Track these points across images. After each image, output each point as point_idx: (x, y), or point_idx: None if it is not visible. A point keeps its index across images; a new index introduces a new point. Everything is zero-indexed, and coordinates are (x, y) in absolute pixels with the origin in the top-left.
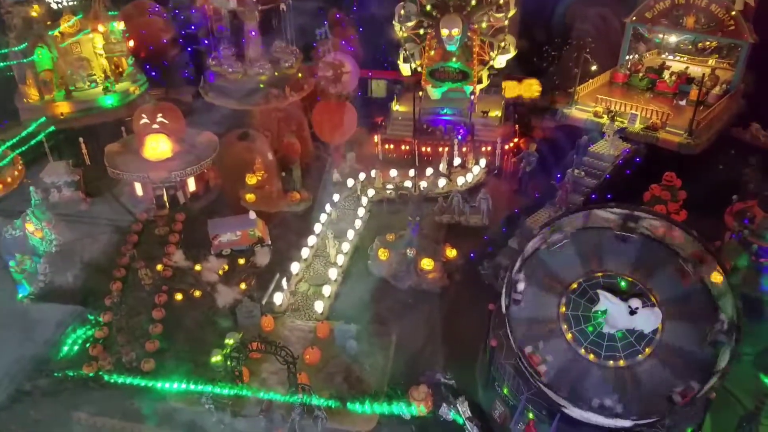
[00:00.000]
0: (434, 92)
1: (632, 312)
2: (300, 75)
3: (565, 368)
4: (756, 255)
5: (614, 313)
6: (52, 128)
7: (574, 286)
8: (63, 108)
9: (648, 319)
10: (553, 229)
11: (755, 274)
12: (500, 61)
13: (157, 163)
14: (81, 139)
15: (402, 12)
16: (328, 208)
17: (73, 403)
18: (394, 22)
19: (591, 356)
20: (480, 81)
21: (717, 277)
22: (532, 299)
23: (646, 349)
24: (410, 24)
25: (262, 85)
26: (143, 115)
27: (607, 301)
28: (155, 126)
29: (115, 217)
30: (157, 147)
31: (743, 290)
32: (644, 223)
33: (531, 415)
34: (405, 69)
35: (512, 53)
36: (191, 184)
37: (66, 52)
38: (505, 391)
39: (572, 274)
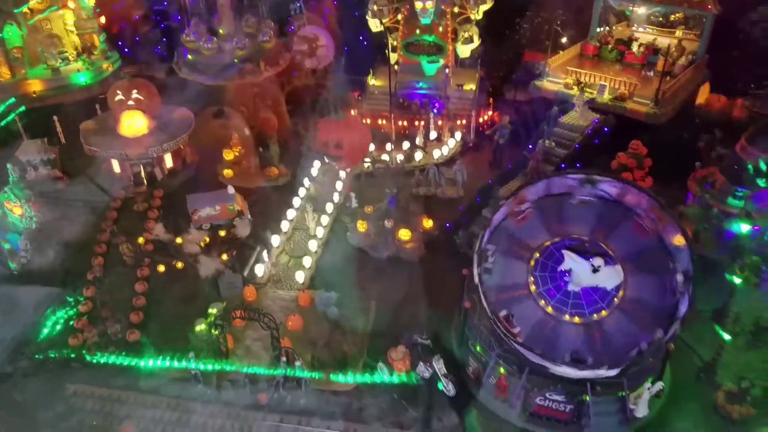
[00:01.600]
0: (428, 68)
1: (595, 270)
2: (274, 48)
3: (537, 328)
4: (716, 218)
5: (578, 271)
6: (22, 108)
7: (540, 252)
8: (35, 86)
9: (610, 277)
10: (516, 199)
11: (715, 237)
12: (464, 51)
13: (134, 139)
14: (55, 118)
15: None
16: (306, 182)
17: (56, 383)
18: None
19: (560, 315)
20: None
21: (679, 240)
22: (502, 267)
23: (612, 303)
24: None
25: (236, 60)
26: (118, 92)
27: (571, 261)
28: (130, 102)
29: (91, 198)
30: (133, 123)
31: (703, 252)
32: (601, 186)
33: (502, 370)
34: (374, 24)
35: (476, 43)
36: (168, 161)
37: (35, 29)
38: (478, 348)
39: (538, 239)
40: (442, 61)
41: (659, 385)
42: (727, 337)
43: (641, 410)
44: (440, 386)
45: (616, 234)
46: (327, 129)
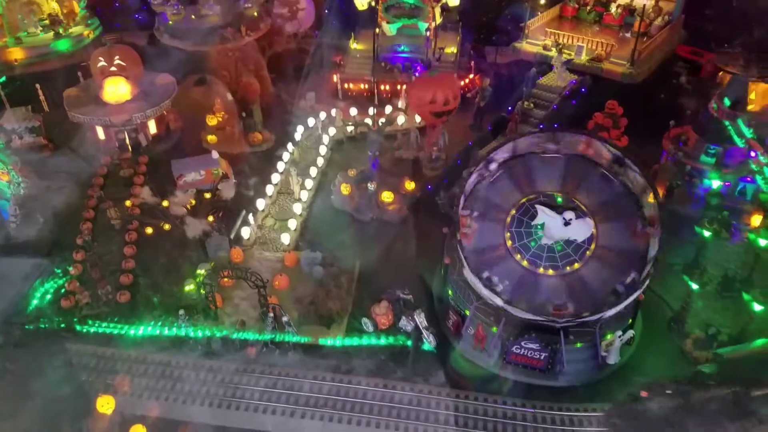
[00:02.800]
0: (389, 28)
1: (567, 223)
2: (255, 14)
3: (519, 284)
4: (689, 175)
5: (551, 225)
6: (3, 79)
7: (515, 211)
8: (16, 54)
9: (581, 229)
10: (486, 163)
11: (688, 193)
12: (453, 0)
13: (117, 106)
14: (38, 86)
15: None
16: (290, 147)
17: (47, 352)
18: None
19: (540, 269)
20: (434, 18)
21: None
22: (480, 230)
23: (587, 253)
24: None
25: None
26: (100, 58)
27: (544, 215)
28: (113, 68)
29: (75, 169)
30: (116, 90)
31: (676, 208)
32: (564, 141)
33: (480, 322)
34: (361, 3)
35: (438, 20)
36: (152, 127)
37: None
38: (457, 302)
39: (510, 199)
40: (403, 23)
41: (630, 333)
42: (695, 287)
43: (613, 357)
44: (426, 347)
45: (584, 186)
46: (421, 85)
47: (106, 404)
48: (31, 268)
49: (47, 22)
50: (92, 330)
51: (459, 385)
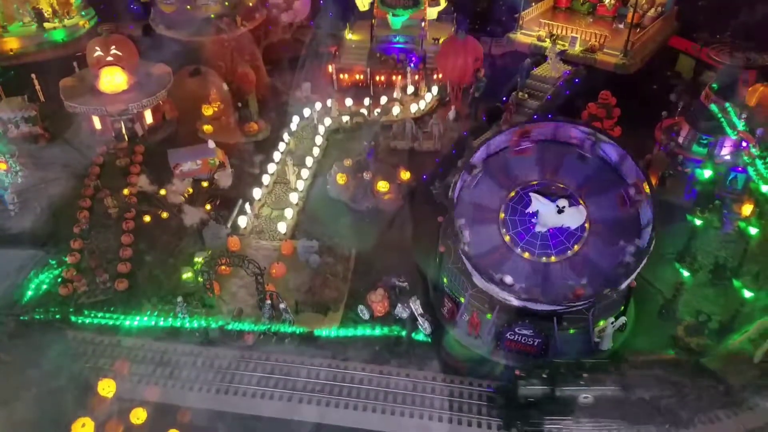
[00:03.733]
0: (393, 21)
1: (560, 211)
2: (251, 3)
3: (529, 277)
4: (681, 164)
5: (544, 212)
6: None
7: (503, 209)
8: (12, 44)
9: (574, 216)
10: (467, 168)
11: (680, 183)
12: (431, 13)
13: (114, 95)
14: (33, 76)
15: None
16: (286, 137)
17: (42, 343)
18: None
19: (544, 258)
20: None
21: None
22: (477, 235)
23: (584, 234)
24: None
25: (213, 16)
26: (96, 48)
27: (537, 203)
28: (109, 58)
29: (70, 161)
30: (113, 79)
31: (669, 198)
32: (534, 132)
33: (475, 309)
34: (361, 3)
35: (442, 5)
36: (148, 117)
37: None
38: (453, 290)
39: (496, 198)
40: (407, 15)
41: (622, 319)
42: (686, 274)
43: (605, 343)
44: (420, 337)
45: (563, 168)
46: (449, 52)
47: (107, 387)
48: (26, 259)
49: (43, 11)
50: (87, 321)
51: (453, 370)
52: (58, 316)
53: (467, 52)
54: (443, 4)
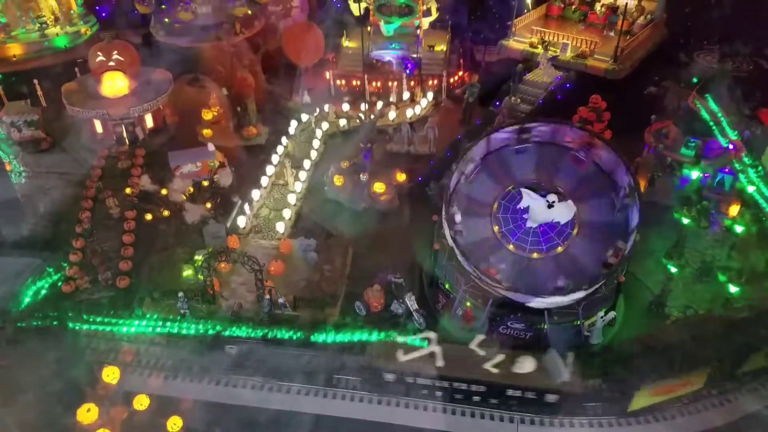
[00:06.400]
0: (386, 29)
1: (550, 206)
2: (249, 12)
3: (517, 270)
4: (670, 167)
5: (535, 208)
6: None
7: (497, 205)
8: (15, 50)
9: (563, 212)
10: (464, 161)
11: (668, 184)
12: (424, 23)
13: (115, 100)
14: (36, 81)
15: None
16: (284, 140)
17: (39, 349)
18: None
19: (534, 254)
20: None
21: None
22: (469, 227)
23: (573, 232)
24: None
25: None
26: (99, 53)
27: (528, 198)
28: (111, 63)
29: (68, 169)
30: (114, 84)
31: (657, 199)
32: (534, 132)
33: (468, 304)
34: (356, 8)
35: (434, 16)
36: (149, 121)
37: None
38: (447, 285)
39: (491, 194)
40: (400, 23)
41: (612, 314)
42: (674, 270)
43: (595, 337)
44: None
45: (559, 171)
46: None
47: (111, 374)
48: (22, 267)
49: (45, 18)
50: (85, 327)
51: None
52: (55, 323)
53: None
54: (435, 14)
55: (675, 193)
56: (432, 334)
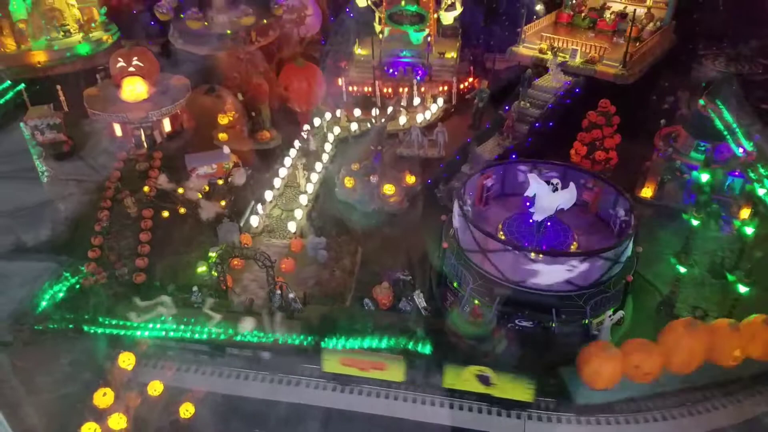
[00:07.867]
0: (414, 37)
1: (554, 189)
2: (264, 21)
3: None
4: (679, 170)
5: (541, 194)
6: (22, 85)
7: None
8: (40, 57)
9: (566, 195)
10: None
11: (678, 188)
12: (447, 18)
13: (134, 104)
14: (59, 87)
15: None
16: (297, 144)
17: (56, 351)
18: None
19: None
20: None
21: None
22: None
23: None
24: None
25: (229, 32)
26: (119, 59)
27: (534, 183)
28: (131, 69)
29: (86, 177)
30: (134, 89)
31: (667, 202)
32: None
33: (476, 302)
34: (361, 1)
35: (459, 10)
36: (167, 125)
37: (38, 3)
38: (455, 284)
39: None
40: (427, 30)
41: (620, 314)
42: (683, 270)
43: (603, 337)
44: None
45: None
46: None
47: (126, 360)
48: (39, 272)
49: (69, 27)
50: (100, 331)
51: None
52: (71, 326)
53: (309, 77)
54: (459, 8)
55: (686, 198)
56: None
